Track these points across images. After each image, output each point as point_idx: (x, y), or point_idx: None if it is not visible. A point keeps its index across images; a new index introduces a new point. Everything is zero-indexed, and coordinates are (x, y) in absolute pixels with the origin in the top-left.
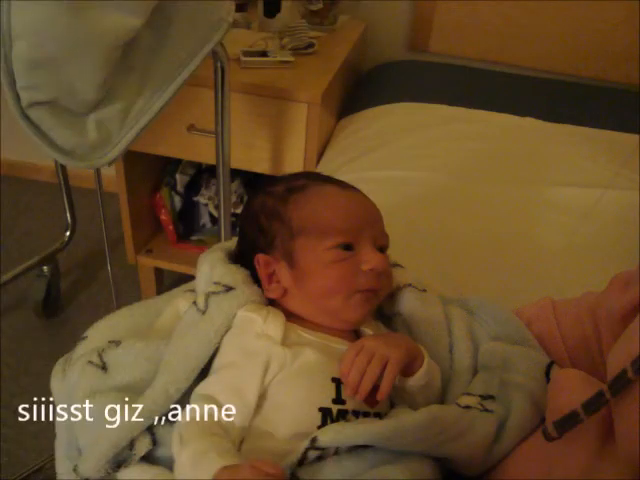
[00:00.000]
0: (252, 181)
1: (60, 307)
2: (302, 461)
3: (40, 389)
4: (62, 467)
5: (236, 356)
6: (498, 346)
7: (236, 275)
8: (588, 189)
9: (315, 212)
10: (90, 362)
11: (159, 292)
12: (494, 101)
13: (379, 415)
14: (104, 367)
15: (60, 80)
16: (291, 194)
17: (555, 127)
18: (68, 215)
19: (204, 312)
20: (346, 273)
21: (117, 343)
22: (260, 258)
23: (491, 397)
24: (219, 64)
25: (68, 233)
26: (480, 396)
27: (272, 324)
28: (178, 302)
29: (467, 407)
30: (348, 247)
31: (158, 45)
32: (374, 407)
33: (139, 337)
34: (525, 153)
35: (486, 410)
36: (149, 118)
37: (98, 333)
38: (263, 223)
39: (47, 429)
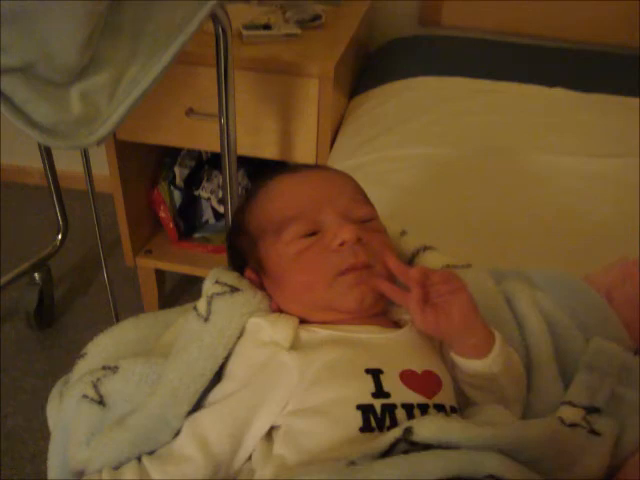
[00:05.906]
0: (257, 171)
1: (54, 317)
2: (388, 452)
3: (36, 407)
4: None
5: (244, 378)
6: (615, 349)
7: (242, 279)
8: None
9: (263, 210)
10: (85, 396)
11: (161, 295)
12: (519, 72)
13: (454, 409)
14: (101, 402)
15: (35, 39)
16: (246, 204)
17: (586, 97)
18: (59, 217)
19: (206, 319)
20: (316, 260)
21: (114, 369)
22: (247, 274)
23: (597, 410)
24: (220, 29)
25: (60, 236)
26: (584, 408)
27: (280, 328)
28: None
29: (573, 425)
30: (311, 233)
31: (149, 3)
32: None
33: (140, 356)
34: (558, 124)
35: (593, 432)
36: (143, 89)
37: (99, 349)
38: (235, 242)
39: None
